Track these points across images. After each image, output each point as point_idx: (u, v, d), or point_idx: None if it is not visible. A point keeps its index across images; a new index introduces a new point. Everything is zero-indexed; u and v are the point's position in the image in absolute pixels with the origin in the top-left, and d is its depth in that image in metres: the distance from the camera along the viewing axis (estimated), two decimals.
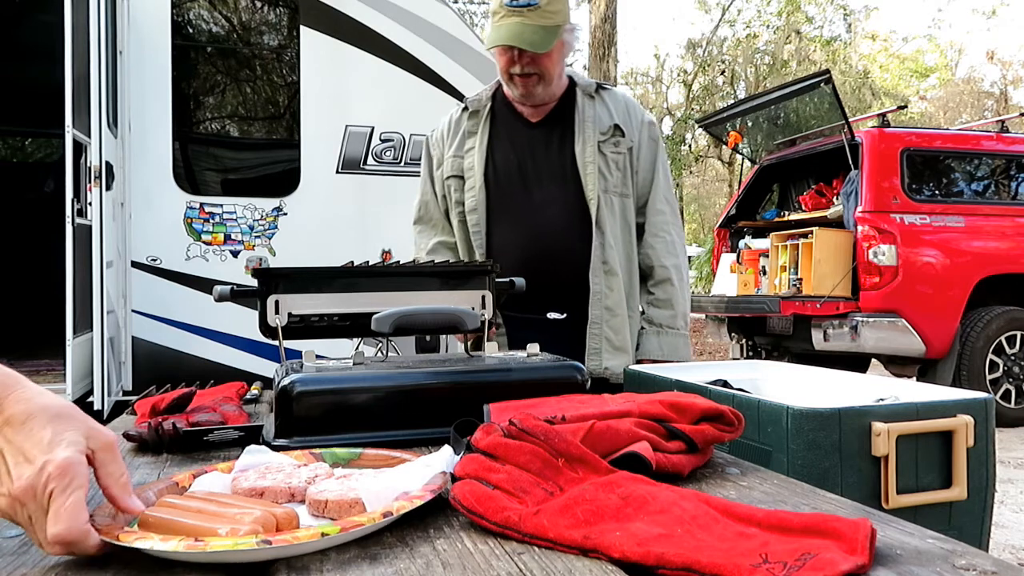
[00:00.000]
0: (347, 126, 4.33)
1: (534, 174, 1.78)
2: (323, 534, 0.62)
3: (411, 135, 4.39)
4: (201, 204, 4.19)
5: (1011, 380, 5.50)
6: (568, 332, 1.77)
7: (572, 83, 1.84)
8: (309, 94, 4.30)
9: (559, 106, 1.81)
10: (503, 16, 1.63)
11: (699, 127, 8.49)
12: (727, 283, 6.29)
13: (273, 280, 1.27)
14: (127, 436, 1.10)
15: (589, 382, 1.16)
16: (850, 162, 5.43)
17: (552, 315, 1.77)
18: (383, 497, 0.69)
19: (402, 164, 4.39)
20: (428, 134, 1.98)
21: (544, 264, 1.74)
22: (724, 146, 8.28)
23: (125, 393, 3.94)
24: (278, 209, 4.27)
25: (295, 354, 1.22)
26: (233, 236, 4.22)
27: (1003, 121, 6.16)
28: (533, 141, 1.80)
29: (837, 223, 5.50)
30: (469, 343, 1.51)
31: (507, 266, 1.45)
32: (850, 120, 5.57)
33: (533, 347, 1.27)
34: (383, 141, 4.38)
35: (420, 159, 2.03)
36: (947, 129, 7.02)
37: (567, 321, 1.77)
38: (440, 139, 1.91)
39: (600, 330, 1.77)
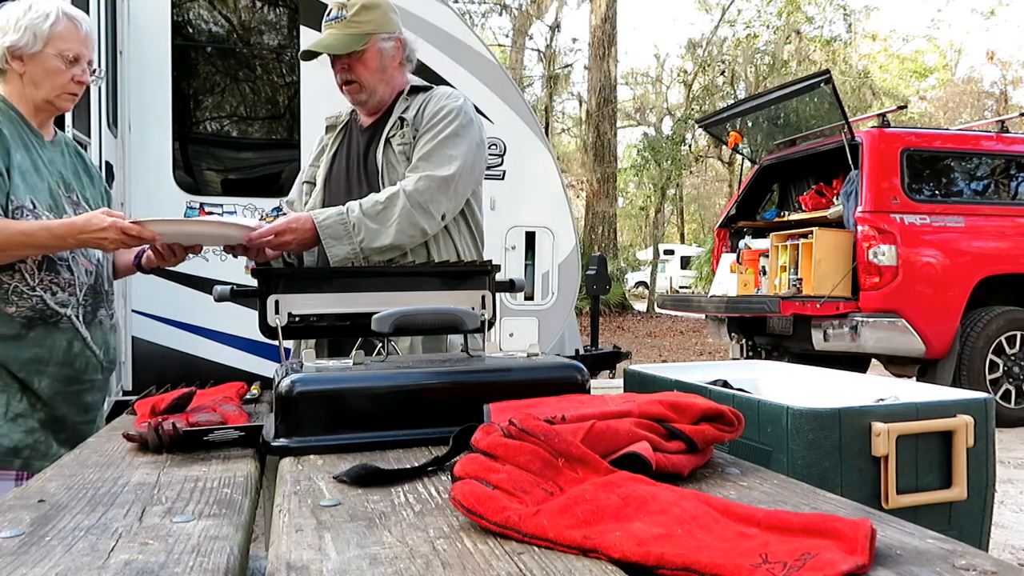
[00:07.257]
0: None
1: (356, 176, 1.94)
2: None
3: None
4: (201, 204, 4.19)
5: (1011, 380, 5.49)
6: None
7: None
8: (309, 94, 4.30)
9: (386, 112, 1.93)
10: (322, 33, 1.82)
11: (699, 127, 8.48)
12: (727, 283, 6.29)
13: (273, 280, 1.27)
14: (127, 436, 1.10)
15: (589, 382, 1.16)
16: (850, 162, 5.43)
17: None
18: None
19: None
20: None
21: None
22: (724, 146, 8.27)
23: (125, 393, 3.93)
24: (278, 209, 4.27)
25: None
26: None
27: (1003, 121, 6.15)
28: (359, 146, 1.95)
29: (837, 223, 5.49)
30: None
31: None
32: (850, 120, 5.56)
33: (533, 347, 1.27)
34: None
35: None
36: (947, 129, 7.00)
37: None
38: (312, 153, 2.10)
39: None
